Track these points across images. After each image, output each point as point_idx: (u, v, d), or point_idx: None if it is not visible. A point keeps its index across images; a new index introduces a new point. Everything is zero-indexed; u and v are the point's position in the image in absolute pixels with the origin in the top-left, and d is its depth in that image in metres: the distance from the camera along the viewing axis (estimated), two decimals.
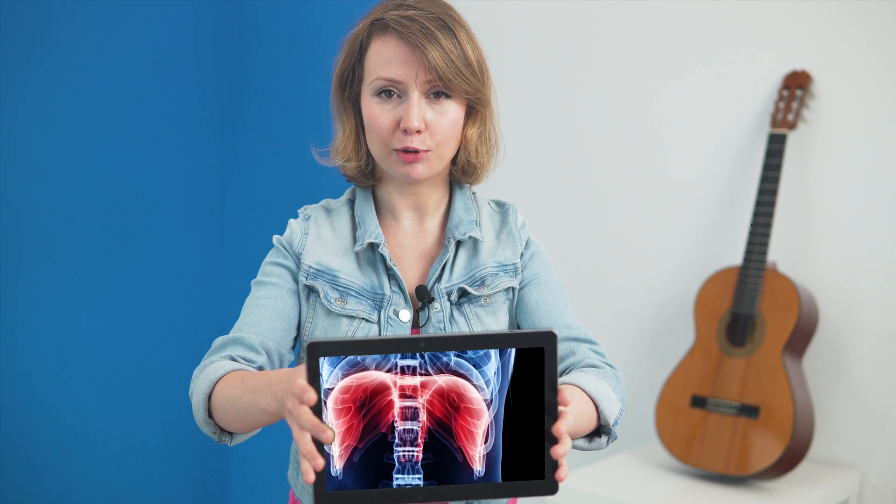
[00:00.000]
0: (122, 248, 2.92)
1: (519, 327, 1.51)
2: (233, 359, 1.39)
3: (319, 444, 1.10)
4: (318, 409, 1.09)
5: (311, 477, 1.09)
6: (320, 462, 1.08)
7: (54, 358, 2.77)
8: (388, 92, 1.41)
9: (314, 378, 1.09)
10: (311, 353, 1.09)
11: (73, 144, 2.79)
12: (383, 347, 1.10)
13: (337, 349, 1.09)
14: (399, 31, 1.39)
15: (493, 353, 1.13)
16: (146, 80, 2.96)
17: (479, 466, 1.14)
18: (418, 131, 1.39)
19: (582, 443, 1.36)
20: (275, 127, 3.20)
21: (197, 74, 3.12)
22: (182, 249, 3.10)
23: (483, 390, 1.13)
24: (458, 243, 1.48)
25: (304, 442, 1.09)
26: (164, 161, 3.03)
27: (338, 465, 1.13)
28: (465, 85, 1.41)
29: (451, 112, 1.42)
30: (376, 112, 1.42)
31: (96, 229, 2.86)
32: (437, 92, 1.41)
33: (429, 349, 1.10)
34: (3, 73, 2.63)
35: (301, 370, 1.12)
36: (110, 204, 2.89)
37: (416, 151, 1.40)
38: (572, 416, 1.13)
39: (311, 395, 1.08)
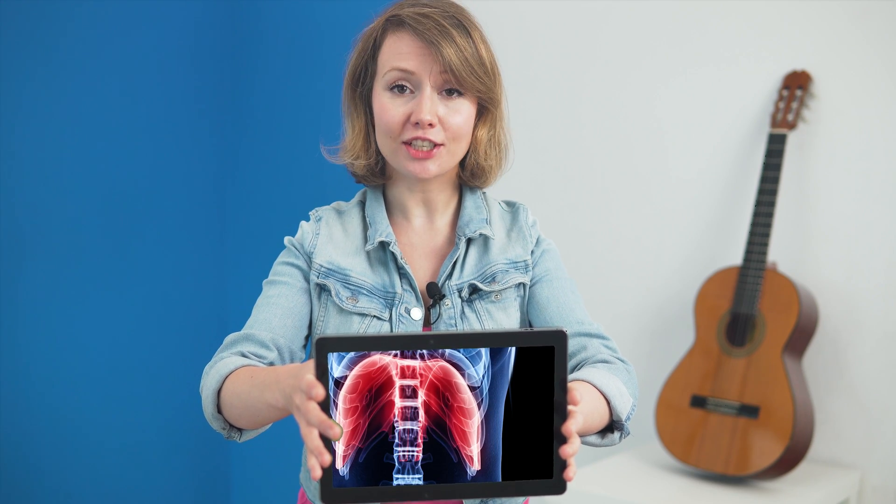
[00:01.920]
0: (123, 247, 2.92)
1: (531, 325, 1.51)
2: (244, 355, 1.39)
3: (327, 441, 1.09)
4: (325, 405, 1.09)
5: (318, 473, 1.08)
6: (327, 458, 1.08)
7: (55, 357, 2.77)
8: (400, 87, 1.42)
9: (322, 374, 1.08)
10: (320, 349, 1.08)
11: (73, 144, 2.79)
12: (392, 344, 1.09)
13: (345, 345, 1.09)
14: (415, 27, 1.40)
15: (485, 353, 1.12)
16: (146, 81, 2.96)
17: (476, 465, 1.13)
18: (430, 125, 1.39)
19: (594, 439, 1.36)
20: (275, 127, 3.20)
21: (197, 74, 3.12)
22: (182, 249, 3.10)
23: (474, 389, 1.13)
24: (469, 241, 1.49)
25: (311, 438, 1.08)
26: (164, 161, 3.03)
27: (340, 466, 1.13)
28: (478, 83, 1.42)
29: (464, 110, 1.43)
30: (387, 105, 1.42)
31: (97, 229, 2.86)
32: (450, 90, 1.42)
33: (438, 346, 1.09)
34: (3, 73, 2.63)
35: (309, 366, 1.12)
36: (111, 204, 2.89)
37: (427, 147, 1.40)
38: (582, 415, 1.13)
39: (319, 391, 1.07)
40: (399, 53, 1.41)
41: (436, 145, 1.41)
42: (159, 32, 2.99)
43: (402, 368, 1.12)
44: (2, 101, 2.63)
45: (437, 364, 1.12)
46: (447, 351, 1.12)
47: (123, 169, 2.92)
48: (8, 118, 2.65)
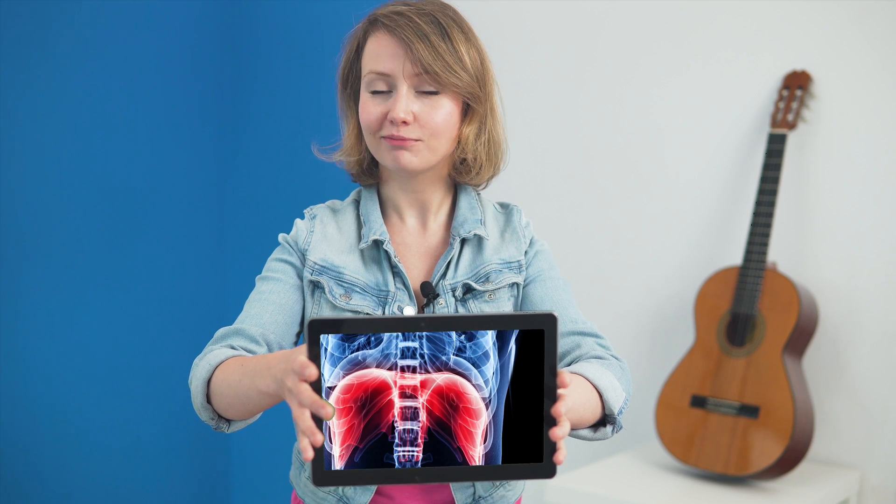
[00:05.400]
0: (123, 247, 2.93)
1: None
2: (233, 348, 1.40)
3: (319, 422, 1.09)
4: (317, 387, 1.09)
5: (310, 454, 1.09)
6: (319, 438, 1.08)
7: (54, 357, 2.77)
8: (381, 90, 1.44)
9: (315, 355, 1.09)
10: (312, 330, 1.08)
11: (73, 144, 2.79)
12: (384, 326, 1.10)
13: (337, 326, 1.09)
14: (388, 25, 1.42)
15: (492, 352, 1.12)
16: (146, 81, 2.96)
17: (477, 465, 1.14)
18: (404, 122, 1.41)
19: (587, 433, 1.36)
20: (275, 127, 3.21)
21: (197, 75, 3.12)
22: (182, 249, 3.10)
23: (482, 389, 1.13)
24: (463, 241, 1.50)
25: (304, 419, 1.09)
26: (164, 161, 3.03)
27: (338, 465, 1.13)
28: (455, 79, 1.42)
29: (444, 106, 1.43)
30: (367, 105, 1.45)
31: (97, 229, 2.86)
32: (428, 88, 1.42)
33: (429, 329, 1.09)
34: (3, 73, 2.63)
35: (301, 349, 1.12)
36: (111, 204, 2.89)
37: (402, 139, 1.42)
38: (571, 398, 1.13)
39: (312, 371, 1.08)
40: (376, 56, 1.44)
41: (414, 140, 1.43)
42: (159, 33, 3.00)
43: (402, 368, 1.12)
44: (2, 101, 2.63)
45: (443, 375, 1.13)
46: (452, 359, 1.12)
47: (123, 169, 2.92)
48: (8, 118, 2.65)
